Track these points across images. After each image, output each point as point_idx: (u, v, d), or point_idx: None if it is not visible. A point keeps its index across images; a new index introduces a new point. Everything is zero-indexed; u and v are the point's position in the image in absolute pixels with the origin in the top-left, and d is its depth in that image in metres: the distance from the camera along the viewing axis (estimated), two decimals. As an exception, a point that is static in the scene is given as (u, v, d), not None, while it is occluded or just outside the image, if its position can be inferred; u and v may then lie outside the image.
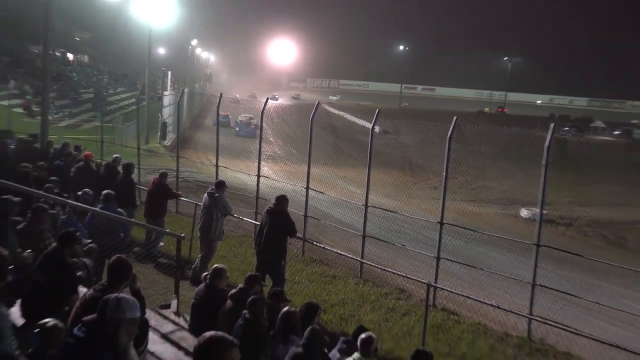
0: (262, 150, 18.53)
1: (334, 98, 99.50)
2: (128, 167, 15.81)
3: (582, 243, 21.80)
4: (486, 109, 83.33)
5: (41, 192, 11.66)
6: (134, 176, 16.81)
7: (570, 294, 11.67)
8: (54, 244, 7.32)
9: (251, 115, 49.31)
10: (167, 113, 36.55)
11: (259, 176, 17.70)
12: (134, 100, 51.36)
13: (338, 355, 7.47)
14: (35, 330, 5.45)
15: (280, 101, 69.54)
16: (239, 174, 21.49)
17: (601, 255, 17.41)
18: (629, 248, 22.71)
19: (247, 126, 49.14)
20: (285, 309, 7.71)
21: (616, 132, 64.07)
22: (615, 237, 24.05)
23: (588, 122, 68.06)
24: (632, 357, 9.60)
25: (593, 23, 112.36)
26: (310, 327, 7.40)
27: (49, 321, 5.38)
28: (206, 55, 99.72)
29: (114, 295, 4.67)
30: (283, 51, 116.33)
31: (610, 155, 43.50)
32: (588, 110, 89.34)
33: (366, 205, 14.98)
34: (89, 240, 10.80)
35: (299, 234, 13.76)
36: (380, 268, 13.57)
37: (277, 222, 12.29)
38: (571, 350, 10.67)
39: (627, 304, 11.96)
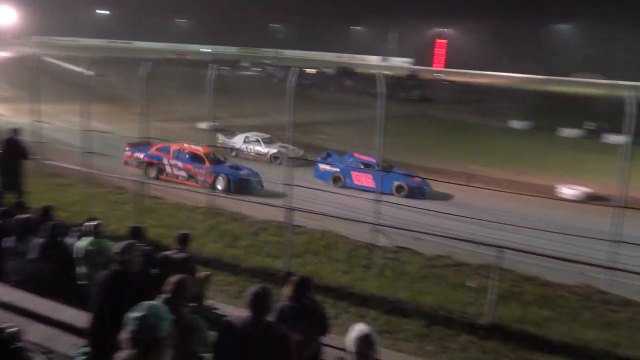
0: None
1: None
2: None
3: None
4: (172, 57, 79.61)
5: None
6: None
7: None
8: None
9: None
10: None
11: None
12: None
13: (72, 240, 6.87)
14: None
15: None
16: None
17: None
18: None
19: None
20: (16, 217, 6.78)
21: (256, 69, 66.60)
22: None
23: (237, 63, 69.58)
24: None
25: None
26: (52, 223, 6.71)
27: None
28: None
29: None
30: (6, 14, 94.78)
31: (252, 83, 45.48)
32: (238, 55, 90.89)
33: (85, 130, 13.73)
34: None
35: (34, 156, 12.12)
36: (100, 174, 12.80)
37: (14, 149, 10.72)
38: (240, 211, 11.34)
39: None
